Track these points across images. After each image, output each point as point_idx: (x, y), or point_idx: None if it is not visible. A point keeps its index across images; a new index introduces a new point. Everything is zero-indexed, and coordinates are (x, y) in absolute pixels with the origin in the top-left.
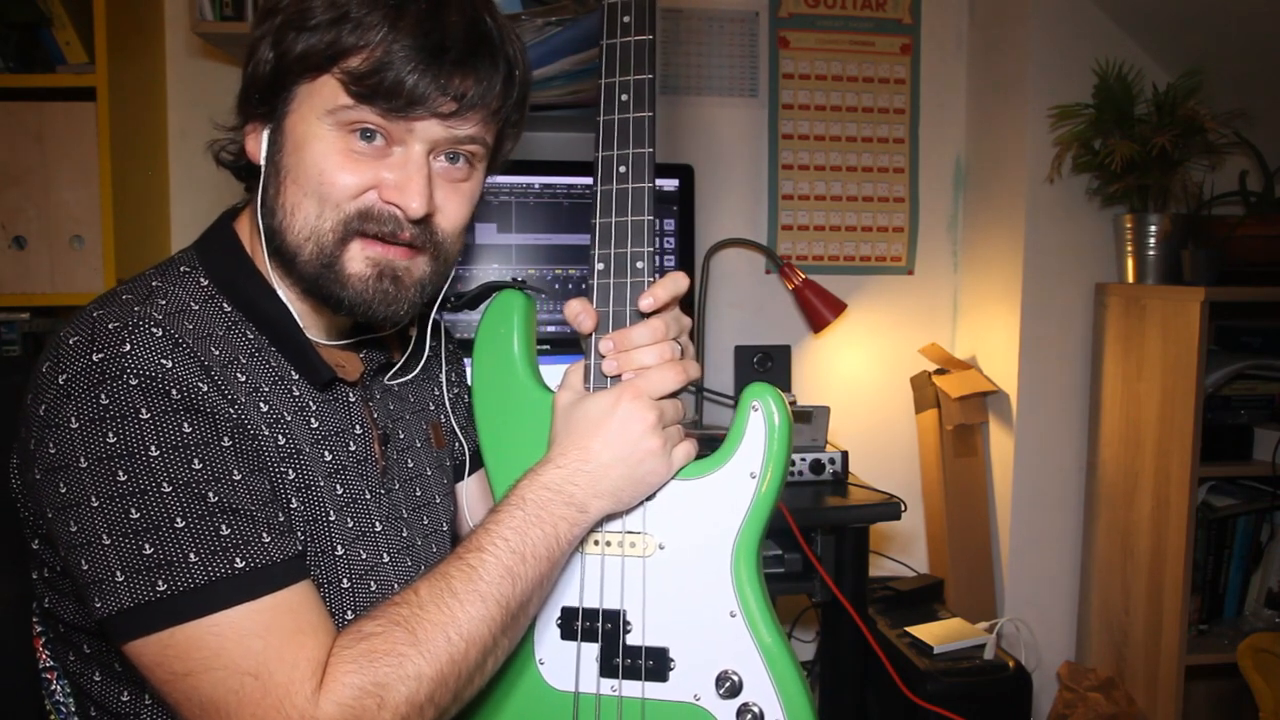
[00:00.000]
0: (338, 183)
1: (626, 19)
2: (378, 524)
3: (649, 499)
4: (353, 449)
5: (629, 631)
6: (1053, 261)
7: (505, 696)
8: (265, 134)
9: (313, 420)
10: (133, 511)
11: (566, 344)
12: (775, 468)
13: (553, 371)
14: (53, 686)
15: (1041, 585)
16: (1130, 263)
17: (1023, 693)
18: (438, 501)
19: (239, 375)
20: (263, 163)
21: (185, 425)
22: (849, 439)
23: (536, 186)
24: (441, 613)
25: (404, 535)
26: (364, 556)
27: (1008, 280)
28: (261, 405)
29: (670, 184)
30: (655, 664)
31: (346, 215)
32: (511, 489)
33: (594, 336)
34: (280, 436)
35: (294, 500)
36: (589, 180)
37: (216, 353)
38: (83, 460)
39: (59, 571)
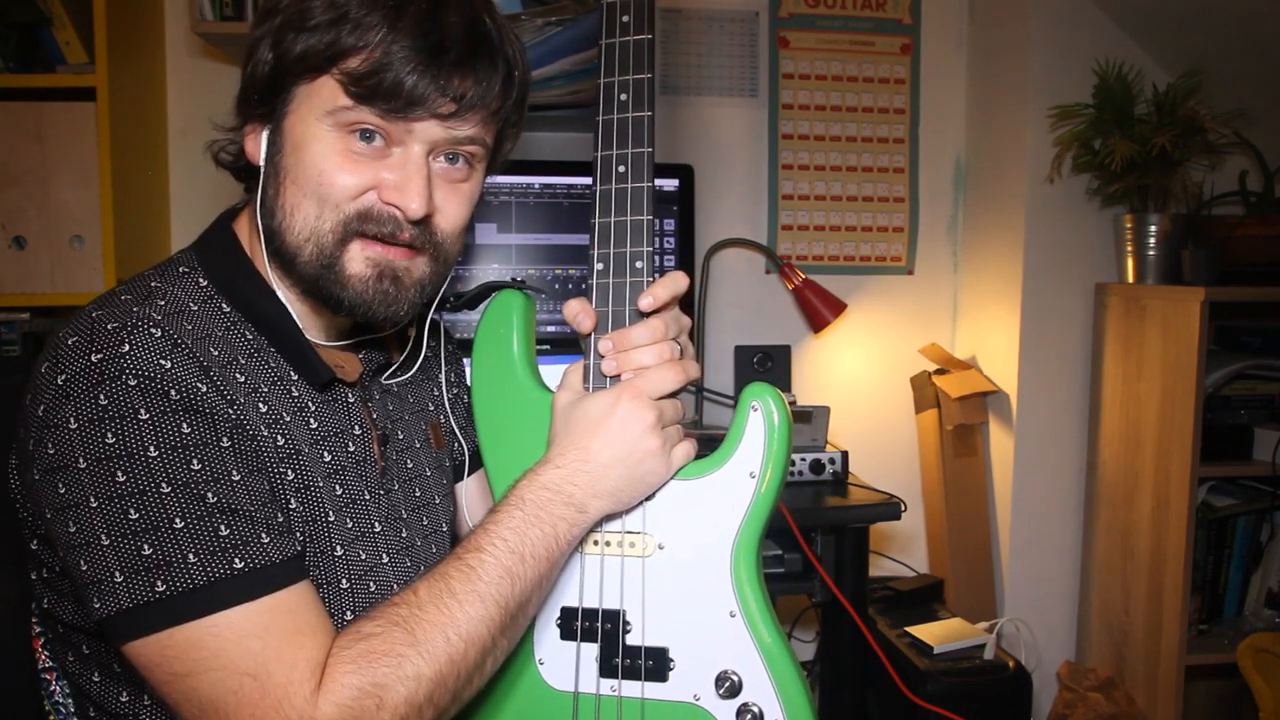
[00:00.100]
0: (337, 183)
1: (625, 18)
2: (377, 525)
3: (648, 499)
4: (352, 449)
5: (629, 631)
6: (1053, 261)
7: (505, 696)
8: (264, 135)
9: (312, 421)
10: (132, 512)
11: (566, 344)
12: (775, 468)
13: (552, 371)
14: (52, 687)
15: (1041, 585)
16: (1130, 263)
17: (1023, 693)
18: (437, 502)
19: (238, 376)
20: (262, 163)
21: (184, 426)
22: (849, 439)
23: (536, 186)
24: (440, 613)
25: (403, 536)
26: (363, 557)
27: (1008, 280)
28: (260, 406)
29: (670, 184)
30: (655, 664)
31: (346, 216)
32: (511, 489)
33: (593, 336)
34: (279, 437)
35: (293, 501)
36: (589, 180)
37: (215, 353)
38: (81, 461)
39: (58, 572)
